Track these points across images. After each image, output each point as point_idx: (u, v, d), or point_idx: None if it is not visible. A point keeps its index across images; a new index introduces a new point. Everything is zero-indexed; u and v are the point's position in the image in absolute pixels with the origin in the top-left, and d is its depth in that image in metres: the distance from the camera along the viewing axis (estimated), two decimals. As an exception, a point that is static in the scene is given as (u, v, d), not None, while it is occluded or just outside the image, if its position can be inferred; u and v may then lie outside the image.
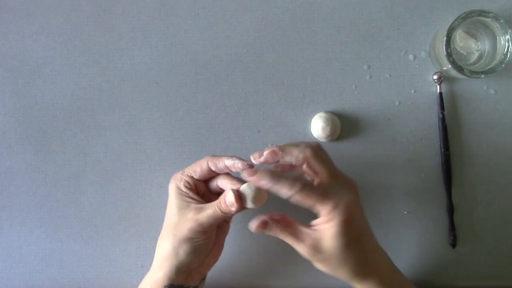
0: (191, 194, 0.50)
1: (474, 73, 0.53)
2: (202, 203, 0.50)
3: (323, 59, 0.59)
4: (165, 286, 0.50)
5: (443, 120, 0.57)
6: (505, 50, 0.53)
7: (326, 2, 0.59)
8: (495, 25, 0.54)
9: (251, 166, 0.48)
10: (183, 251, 0.49)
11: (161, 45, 0.59)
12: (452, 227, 0.57)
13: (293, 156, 0.45)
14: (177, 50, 0.59)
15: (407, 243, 0.59)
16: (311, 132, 0.58)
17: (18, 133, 0.60)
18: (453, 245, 0.57)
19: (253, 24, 0.59)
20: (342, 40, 0.59)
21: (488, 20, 0.53)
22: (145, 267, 0.60)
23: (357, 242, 0.45)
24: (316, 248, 0.45)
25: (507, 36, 0.53)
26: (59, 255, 0.60)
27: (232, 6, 0.59)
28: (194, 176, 0.51)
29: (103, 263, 0.60)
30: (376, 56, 0.59)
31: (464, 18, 0.53)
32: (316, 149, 0.46)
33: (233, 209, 0.47)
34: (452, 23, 0.53)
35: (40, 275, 0.60)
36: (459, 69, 0.53)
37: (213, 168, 0.50)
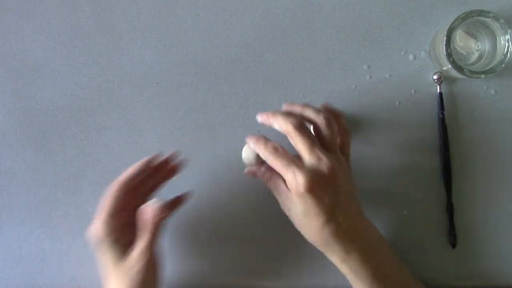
0: (119, 234, 0.51)
1: (474, 73, 0.53)
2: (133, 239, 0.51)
3: (323, 59, 0.59)
4: None
5: (443, 120, 0.57)
6: (505, 50, 0.53)
7: (326, 2, 0.59)
8: (495, 25, 0.54)
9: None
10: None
11: (161, 45, 0.59)
12: (452, 227, 0.57)
13: (280, 124, 0.48)
14: (177, 50, 0.59)
15: (407, 243, 0.59)
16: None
17: (18, 133, 0.60)
18: (453, 245, 0.57)
19: (253, 24, 0.59)
20: (342, 40, 0.59)
21: (488, 20, 0.53)
22: (145, 267, 0.60)
23: (318, 211, 0.45)
24: (287, 207, 0.47)
25: (507, 36, 0.53)
26: (59, 255, 0.60)
27: (232, 6, 0.59)
28: (113, 212, 0.50)
29: (103, 263, 0.60)
30: (376, 56, 0.59)
31: (464, 18, 0.53)
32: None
33: (163, 215, 0.49)
34: (452, 23, 0.53)
35: (40, 275, 0.60)
36: (459, 69, 0.53)
37: (123, 189, 0.51)
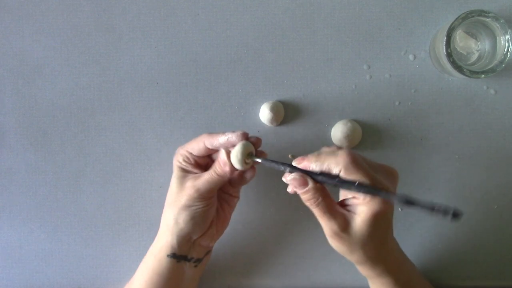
0: (190, 168, 0.51)
1: (474, 73, 0.53)
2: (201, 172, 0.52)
3: (323, 59, 0.59)
4: (168, 255, 0.51)
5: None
6: (505, 50, 0.53)
7: (326, 2, 0.59)
8: (495, 25, 0.54)
9: (245, 134, 0.49)
10: (182, 219, 0.50)
11: (161, 45, 0.59)
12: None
13: (330, 164, 0.45)
14: (177, 50, 0.59)
15: (407, 243, 0.59)
16: (330, 139, 0.59)
17: (18, 133, 0.60)
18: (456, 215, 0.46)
19: (253, 24, 0.59)
20: (342, 40, 0.59)
21: (488, 20, 0.53)
22: (145, 267, 0.60)
23: (384, 232, 0.46)
24: (344, 228, 0.45)
25: (507, 36, 0.53)
26: (59, 255, 0.60)
27: (232, 6, 0.59)
28: (192, 153, 0.51)
29: (103, 263, 0.60)
30: (376, 56, 0.59)
31: (464, 18, 0.53)
32: (352, 156, 0.45)
33: (227, 168, 0.48)
34: (452, 23, 0.53)
35: (40, 275, 0.60)
36: (459, 69, 0.53)
37: (209, 147, 0.50)
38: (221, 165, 0.49)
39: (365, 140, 0.59)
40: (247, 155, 0.48)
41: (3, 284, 0.60)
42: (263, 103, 0.59)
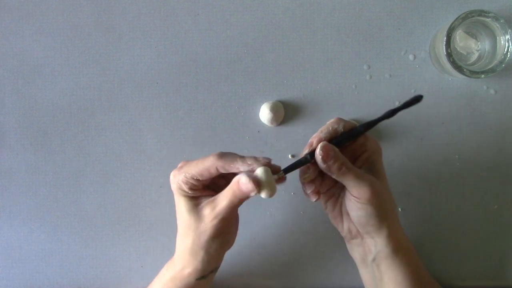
0: (198, 193, 0.47)
1: (474, 73, 0.53)
2: (211, 194, 0.47)
3: (323, 59, 0.59)
4: (197, 279, 0.49)
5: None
6: (505, 50, 0.53)
7: (326, 2, 0.59)
8: (495, 25, 0.54)
9: (268, 161, 0.45)
10: (213, 249, 0.47)
11: (161, 45, 0.59)
12: None
13: (332, 126, 0.47)
14: (177, 50, 0.59)
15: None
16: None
17: (18, 133, 0.60)
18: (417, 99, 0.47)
19: (253, 24, 0.59)
20: (342, 40, 0.59)
21: (488, 20, 0.53)
22: (145, 267, 0.60)
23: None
24: (376, 182, 0.47)
25: (507, 36, 0.53)
26: (59, 255, 0.60)
27: (232, 6, 0.59)
28: (200, 179, 0.46)
29: (103, 263, 0.60)
30: (376, 56, 0.59)
31: (464, 18, 0.53)
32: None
33: (253, 194, 0.44)
34: (452, 23, 0.53)
35: (40, 275, 0.60)
36: (459, 69, 0.53)
37: (223, 172, 0.46)
38: (242, 189, 0.44)
39: (365, 140, 0.59)
40: (271, 184, 0.44)
41: (3, 284, 0.60)
42: (263, 103, 0.59)
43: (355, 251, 0.50)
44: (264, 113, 0.58)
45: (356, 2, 0.58)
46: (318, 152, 0.45)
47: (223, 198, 0.45)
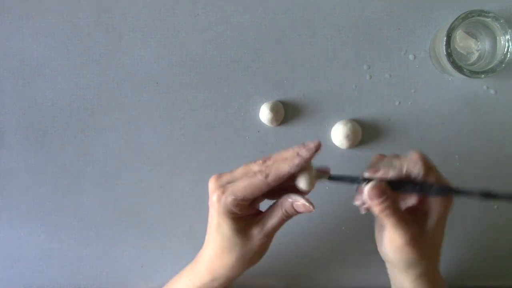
0: (245, 212, 0.45)
1: (474, 73, 0.53)
2: (255, 211, 0.47)
3: (323, 59, 0.59)
4: None
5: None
6: (505, 50, 0.53)
7: (326, 2, 0.59)
8: (495, 25, 0.54)
9: (315, 150, 0.43)
10: (255, 262, 0.47)
11: (161, 45, 0.59)
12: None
13: (408, 167, 0.43)
14: (177, 50, 0.59)
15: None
16: (330, 139, 0.59)
17: (18, 133, 0.60)
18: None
19: (253, 24, 0.59)
20: (342, 40, 0.59)
21: (488, 20, 0.53)
22: (145, 267, 0.60)
23: (444, 230, 0.46)
24: (420, 232, 0.44)
25: (507, 36, 0.53)
26: (59, 255, 0.60)
27: (232, 6, 0.59)
28: (250, 198, 0.43)
29: (103, 263, 0.60)
30: (376, 56, 0.59)
31: (464, 18, 0.53)
32: (425, 156, 0.44)
33: (307, 210, 0.43)
34: (452, 23, 0.53)
35: (40, 275, 0.60)
36: (459, 69, 0.53)
37: (274, 184, 0.43)
38: (300, 210, 0.44)
39: (365, 140, 0.59)
40: (313, 177, 0.44)
41: (3, 284, 0.60)
42: (263, 103, 0.59)
43: (388, 269, 0.50)
44: (264, 113, 0.58)
45: (356, 2, 0.58)
46: (368, 189, 0.42)
47: (273, 217, 0.45)
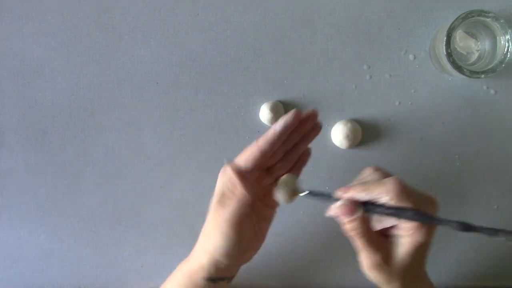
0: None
1: (474, 73, 0.53)
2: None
3: (323, 59, 0.59)
4: (204, 279, 0.48)
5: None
6: (505, 50, 0.53)
7: (326, 2, 0.59)
8: (495, 25, 0.54)
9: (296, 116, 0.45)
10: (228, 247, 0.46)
11: (161, 45, 0.59)
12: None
13: (380, 193, 0.42)
14: (177, 50, 0.59)
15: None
16: (330, 139, 0.59)
17: (18, 133, 0.60)
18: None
19: (253, 24, 0.59)
20: (342, 40, 0.59)
21: (488, 20, 0.53)
22: (145, 267, 0.60)
23: (422, 262, 0.44)
24: (386, 259, 0.43)
25: (507, 36, 0.53)
26: (59, 255, 0.60)
27: (232, 6, 0.59)
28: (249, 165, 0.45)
29: (103, 263, 0.60)
30: (376, 56, 0.59)
31: (464, 18, 0.53)
32: (401, 184, 0.42)
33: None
34: (452, 23, 0.53)
35: (40, 275, 0.60)
36: (459, 69, 0.53)
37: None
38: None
39: (365, 140, 0.59)
40: (291, 191, 0.45)
41: (3, 284, 0.60)
42: (263, 103, 0.59)
43: None
44: (264, 113, 0.58)
45: (356, 2, 0.58)
46: (334, 208, 0.43)
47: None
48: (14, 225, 0.60)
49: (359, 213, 0.42)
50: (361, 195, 0.42)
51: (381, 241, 0.43)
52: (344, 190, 0.43)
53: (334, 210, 0.43)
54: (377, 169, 0.45)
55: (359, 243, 0.43)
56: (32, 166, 0.60)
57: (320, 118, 0.59)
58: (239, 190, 0.44)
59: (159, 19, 0.59)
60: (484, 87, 0.58)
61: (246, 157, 0.46)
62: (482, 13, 0.53)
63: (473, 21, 0.54)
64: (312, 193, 0.45)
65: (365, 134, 0.58)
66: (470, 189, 0.59)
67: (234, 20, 0.59)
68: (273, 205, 0.49)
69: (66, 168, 0.60)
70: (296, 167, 0.49)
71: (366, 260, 0.43)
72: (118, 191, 0.60)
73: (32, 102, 0.60)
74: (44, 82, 0.59)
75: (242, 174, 0.45)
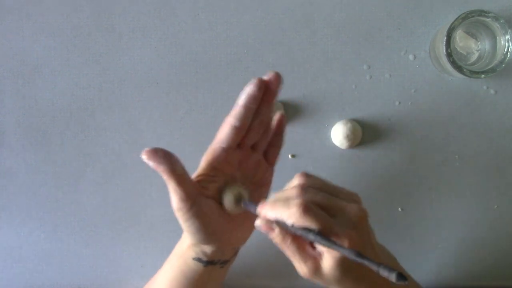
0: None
1: (474, 73, 0.53)
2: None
3: (323, 59, 0.59)
4: (193, 258, 0.48)
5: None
6: (505, 50, 0.53)
7: (326, 2, 0.59)
8: (495, 25, 0.54)
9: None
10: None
11: (161, 45, 0.59)
12: None
13: (283, 215, 0.42)
14: (177, 50, 0.59)
15: (405, 242, 0.59)
16: (330, 139, 0.59)
17: (18, 133, 0.60)
18: (400, 277, 0.37)
19: (253, 24, 0.59)
20: (342, 40, 0.59)
21: (488, 20, 0.53)
22: (145, 267, 0.60)
23: (358, 270, 0.42)
24: (314, 271, 0.42)
25: (507, 36, 0.53)
26: (59, 255, 0.60)
27: (232, 6, 0.59)
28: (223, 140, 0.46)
29: (103, 263, 0.60)
30: (376, 56, 0.59)
31: (464, 18, 0.53)
32: (303, 207, 0.41)
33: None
34: (452, 23, 0.53)
35: (40, 275, 0.60)
36: (459, 69, 0.53)
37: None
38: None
39: (365, 140, 0.59)
40: (236, 200, 0.45)
41: (3, 284, 0.60)
42: (263, 103, 0.59)
43: None
44: None
45: (356, 2, 0.58)
46: (257, 224, 0.42)
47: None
48: (14, 225, 0.60)
49: (276, 229, 0.42)
50: (271, 214, 0.42)
51: (310, 253, 0.43)
52: (261, 207, 0.43)
53: (257, 226, 0.43)
54: (301, 178, 0.43)
55: (287, 254, 0.43)
56: (32, 166, 0.60)
57: (320, 118, 0.59)
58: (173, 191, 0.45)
59: (159, 19, 0.59)
60: (484, 87, 0.58)
61: (220, 137, 0.46)
62: (482, 13, 0.53)
63: (473, 21, 0.54)
64: (245, 205, 0.44)
65: (365, 134, 0.58)
66: (470, 189, 0.59)
67: (234, 20, 0.59)
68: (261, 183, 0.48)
69: (66, 168, 0.60)
70: (270, 153, 0.49)
71: (298, 269, 0.43)
72: (118, 191, 0.60)
73: (32, 102, 0.60)
74: (44, 82, 0.59)
75: (175, 176, 0.46)
